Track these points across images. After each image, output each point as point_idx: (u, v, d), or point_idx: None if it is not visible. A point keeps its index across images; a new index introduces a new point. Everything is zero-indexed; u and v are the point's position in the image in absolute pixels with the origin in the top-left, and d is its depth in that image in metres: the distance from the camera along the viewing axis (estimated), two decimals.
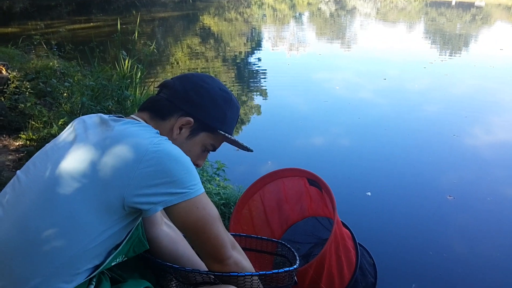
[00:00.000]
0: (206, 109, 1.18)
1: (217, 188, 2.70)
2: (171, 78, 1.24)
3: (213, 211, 1.08)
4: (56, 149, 1.08)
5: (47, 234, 0.97)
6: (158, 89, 1.25)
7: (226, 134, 1.22)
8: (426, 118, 5.14)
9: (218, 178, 2.91)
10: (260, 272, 1.20)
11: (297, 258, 1.41)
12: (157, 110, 1.17)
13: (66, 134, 1.13)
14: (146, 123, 1.14)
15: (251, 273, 1.17)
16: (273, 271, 1.23)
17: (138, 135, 1.03)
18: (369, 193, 3.29)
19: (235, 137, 1.29)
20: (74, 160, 1.01)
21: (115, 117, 1.12)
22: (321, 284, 1.76)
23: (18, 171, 1.10)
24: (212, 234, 1.07)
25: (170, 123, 1.16)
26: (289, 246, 1.54)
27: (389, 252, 2.61)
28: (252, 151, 1.32)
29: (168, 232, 1.32)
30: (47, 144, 1.14)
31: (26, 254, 0.97)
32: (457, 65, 8.57)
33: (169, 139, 1.09)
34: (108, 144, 1.01)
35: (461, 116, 5.23)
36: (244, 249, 1.30)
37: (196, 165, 1.23)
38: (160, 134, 1.09)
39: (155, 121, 1.16)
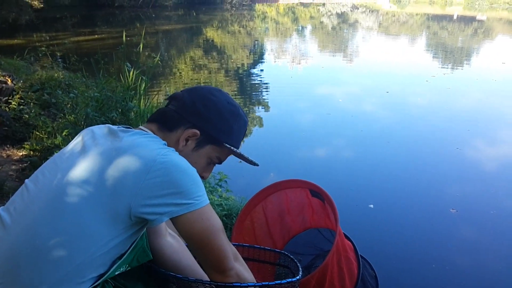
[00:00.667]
0: (212, 121, 1.20)
1: (219, 199, 2.70)
2: (181, 91, 1.26)
3: (217, 222, 1.09)
4: (65, 159, 1.10)
5: (54, 242, 0.98)
6: (166, 101, 1.27)
7: (232, 148, 1.23)
8: (428, 131, 5.15)
9: (220, 189, 2.92)
10: (263, 283, 1.20)
11: (300, 268, 1.40)
12: (164, 122, 1.19)
13: (75, 143, 1.15)
14: (154, 134, 1.16)
15: (254, 284, 1.17)
16: (276, 282, 1.23)
17: (146, 146, 1.05)
18: (371, 205, 3.28)
19: (240, 148, 1.30)
20: (83, 169, 1.03)
21: (124, 128, 1.14)
22: None
23: (26, 180, 1.11)
24: (215, 245, 1.08)
25: (177, 135, 1.18)
26: (291, 256, 1.53)
27: (392, 264, 2.59)
28: (257, 165, 1.32)
29: (172, 243, 1.33)
30: (56, 154, 1.16)
31: (33, 261, 0.98)
32: (459, 78, 8.60)
33: (175, 150, 1.11)
34: (117, 154, 1.03)
35: (464, 129, 5.23)
36: (246, 259, 1.30)
37: (202, 177, 1.24)
38: (167, 145, 1.11)
39: (162, 132, 1.18)
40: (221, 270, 1.11)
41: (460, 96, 7.04)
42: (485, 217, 3.16)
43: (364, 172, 3.96)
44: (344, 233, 2.12)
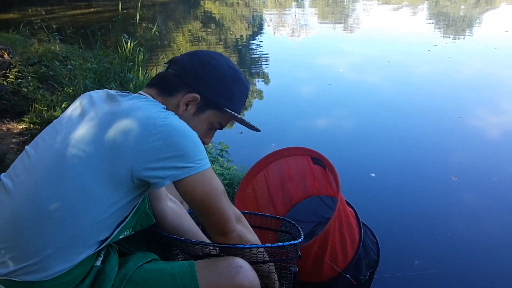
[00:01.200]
0: (213, 86, 1.17)
1: (221, 169, 2.71)
2: (181, 54, 1.23)
3: (219, 185, 1.09)
4: (64, 124, 1.09)
5: (57, 207, 0.98)
6: (166, 65, 1.24)
7: (233, 113, 1.21)
8: (431, 100, 5.09)
9: (221, 159, 2.91)
10: (266, 245, 1.21)
11: (301, 233, 1.42)
12: (164, 86, 1.17)
13: (73, 108, 1.14)
14: (153, 98, 1.14)
15: (257, 245, 1.18)
16: (279, 244, 1.25)
17: (146, 110, 1.04)
18: (373, 174, 3.28)
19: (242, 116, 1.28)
20: (82, 134, 1.02)
21: (122, 93, 1.13)
22: (325, 259, 1.77)
23: (27, 146, 1.11)
24: (217, 208, 1.08)
25: (176, 99, 1.16)
26: (293, 222, 1.54)
27: (393, 231, 2.61)
28: (259, 130, 1.32)
29: (173, 208, 1.33)
30: (55, 120, 1.15)
31: (38, 226, 0.98)
32: (461, 47, 8.46)
33: (175, 115, 1.09)
34: (116, 118, 1.02)
35: (466, 98, 5.18)
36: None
37: (203, 143, 1.23)
38: (167, 110, 1.09)
39: (162, 96, 1.16)
40: (223, 232, 1.12)
41: (463, 65, 6.94)
42: (487, 184, 3.16)
43: (366, 142, 3.95)
44: (345, 200, 2.13)
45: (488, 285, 2.21)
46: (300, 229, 1.46)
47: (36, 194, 1.00)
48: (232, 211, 1.14)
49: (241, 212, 1.60)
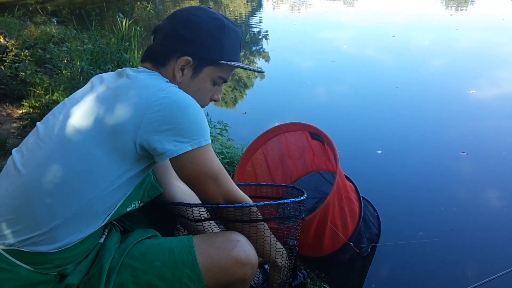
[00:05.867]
0: (200, 43, 1.15)
1: (221, 148, 2.69)
2: (162, 21, 1.21)
3: (211, 166, 1.07)
4: (74, 100, 1.12)
5: (64, 179, 1.00)
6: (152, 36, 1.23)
7: (230, 63, 1.18)
8: (438, 74, 4.97)
9: (221, 138, 2.90)
10: (266, 203, 1.19)
11: (305, 192, 1.37)
12: (156, 58, 1.16)
13: (85, 87, 1.16)
14: None
15: (256, 204, 1.17)
16: (279, 201, 1.22)
17: (148, 82, 1.06)
18: (380, 151, 3.23)
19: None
20: (89, 107, 1.05)
21: (132, 69, 1.14)
22: (325, 235, 1.77)
23: (38, 122, 1.14)
24: (203, 189, 1.10)
25: (170, 67, 1.15)
26: (298, 187, 1.50)
27: (400, 206, 2.56)
28: (263, 72, 1.31)
29: (183, 190, 1.34)
30: (66, 98, 1.17)
31: (46, 197, 1.00)
32: (467, 19, 8.28)
33: (176, 85, 1.10)
34: (120, 91, 1.04)
35: (473, 71, 5.06)
36: (254, 197, 1.28)
37: (215, 100, 1.24)
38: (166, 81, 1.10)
39: (157, 69, 1.16)
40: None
41: (469, 37, 6.80)
42: (496, 159, 3.08)
43: (373, 119, 3.87)
44: (345, 175, 2.11)
45: (495, 261, 2.15)
46: (304, 191, 1.41)
47: (44, 167, 1.01)
48: (219, 193, 1.11)
49: (247, 184, 1.59)
